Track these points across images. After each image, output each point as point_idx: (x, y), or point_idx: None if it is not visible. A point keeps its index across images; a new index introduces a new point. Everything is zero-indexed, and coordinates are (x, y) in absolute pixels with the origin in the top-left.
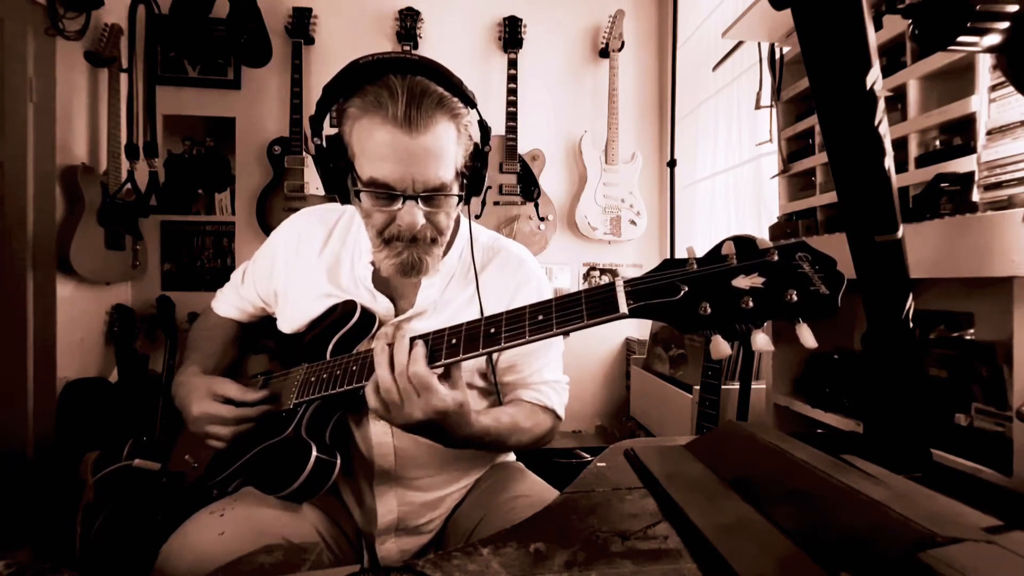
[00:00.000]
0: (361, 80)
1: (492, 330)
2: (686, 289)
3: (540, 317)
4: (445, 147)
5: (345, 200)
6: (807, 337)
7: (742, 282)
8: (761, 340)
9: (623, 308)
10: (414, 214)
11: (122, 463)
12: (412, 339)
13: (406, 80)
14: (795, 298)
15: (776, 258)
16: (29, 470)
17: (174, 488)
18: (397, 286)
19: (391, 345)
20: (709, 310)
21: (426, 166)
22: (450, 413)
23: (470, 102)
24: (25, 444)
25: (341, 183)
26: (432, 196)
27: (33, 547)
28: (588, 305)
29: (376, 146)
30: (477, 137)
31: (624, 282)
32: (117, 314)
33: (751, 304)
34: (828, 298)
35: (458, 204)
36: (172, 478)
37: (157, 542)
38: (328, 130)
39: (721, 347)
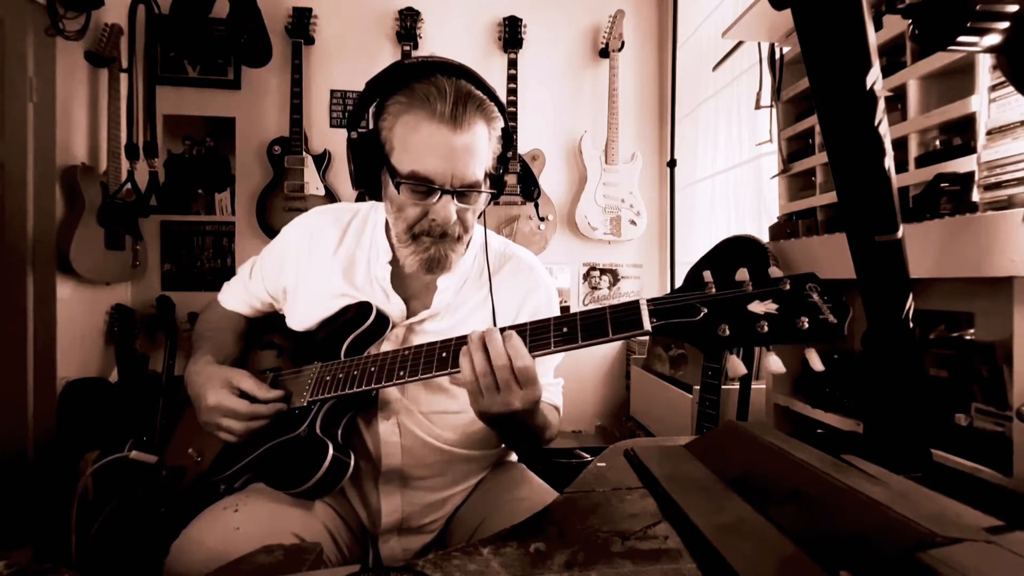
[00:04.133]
0: (408, 77)
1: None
2: (705, 311)
3: (565, 330)
4: (481, 147)
5: (374, 195)
6: (816, 361)
7: (757, 307)
8: (774, 363)
9: (647, 325)
10: (449, 209)
11: (118, 455)
12: (502, 330)
13: (452, 81)
14: (806, 325)
15: (788, 287)
16: (29, 470)
17: (175, 482)
18: (412, 287)
19: (484, 336)
20: (728, 332)
21: (465, 163)
22: (539, 402)
23: (502, 109)
24: (25, 444)
25: (373, 178)
26: (467, 192)
27: (34, 547)
28: (613, 321)
29: (421, 141)
30: (502, 142)
31: (647, 301)
32: (117, 314)
33: (766, 328)
34: (836, 327)
35: (485, 203)
36: (172, 472)
37: (159, 537)
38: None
39: (738, 367)
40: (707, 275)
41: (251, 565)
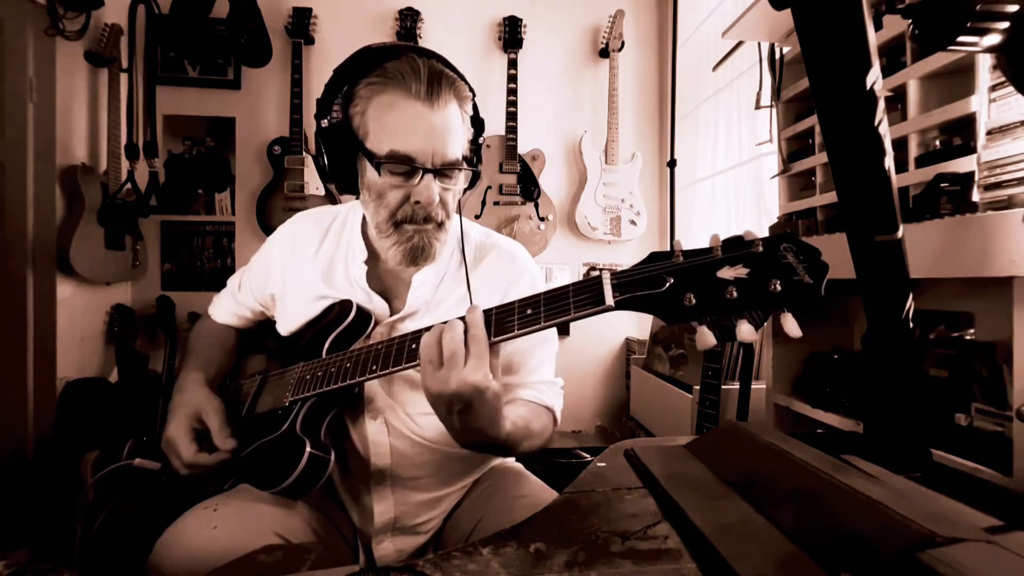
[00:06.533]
0: (379, 59)
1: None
2: (671, 281)
3: (529, 311)
4: (456, 126)
5: (347, 188)
6: (791, 327)
7: (727, 273)
8: (745, 330)
9: (609, 300)
10: (432, 188)
11: (123, 462)
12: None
13: (424, 60)
14: (779, 287)
15: (761, 249)
16: (29, 470)
17: (173, 486)
18: (391, 286)
19: (446, 323)
20: (694, 300)
21: (445, 140)
22: (486, 397)
23: (471, 91)
24: (25, 444)
25: (346, 169)
26: (448, 171)
27: (33, 547)
28: (575, 298)
29: (399, 119)
30: (472, 131)
31: (611, 275)
32: (117, 314)
33: (735, 294)
34: (812, 287)
35: (465, 183)
36: (172, 476)
37: (155, 539)
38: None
39: (706, 338)
40: (678, 244)
41: (251, 565)
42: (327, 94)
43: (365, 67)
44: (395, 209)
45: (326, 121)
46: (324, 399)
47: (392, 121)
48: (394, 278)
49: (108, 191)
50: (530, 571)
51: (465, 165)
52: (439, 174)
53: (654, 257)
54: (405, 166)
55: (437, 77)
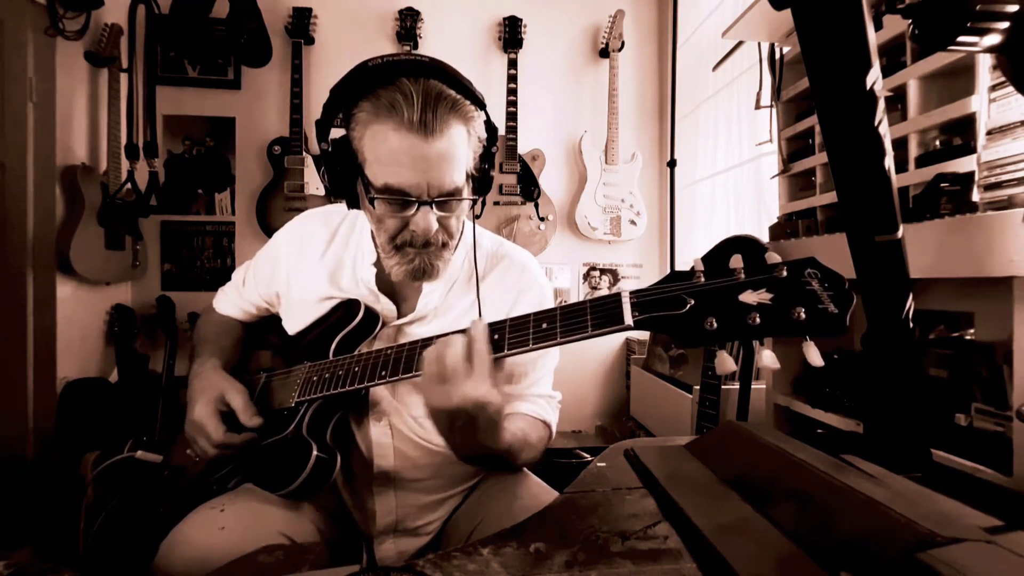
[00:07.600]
0: (372, 83)
1: (496, 336)
2: (692, 303)
3: (544, 326)
4: (458, 151)
5: (353, 205)
6: (813, 356)
7: (749, 297)
8: (767, 357)
9: (628, 320)
10: (429, 219)
11: (124, 455)
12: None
13: (420, 84)
14: (803, 316)
15: (785, 274)
16: (29, 470)
17: (175, 482)
18: (399, 290)
19: (449, 335)
20: (715, 325)
21: (441, 171)
22: (489, 412)
23: (480, 103)
24: (25, 444)
25: (349, 188)
26: (446, 201)
27: (33, 547)
28: (593, 315)
29: (391, 152)
30: (484, 138)
31: (630, 293)
32: (117, 314)
33: (758, 320)
34: (837, 317)
35: (470, 207)
36: (173, 472)
37: (158, 536)
38: (333, 132)
39: (727, 363)
40: (697, 263)
41: (251, 565)
42: (325, 115)
43: (359, 90)
44: (394, 234)
45: (326, 143)
46: (330, 401)
47: (385, 153)
48: (404, 283)
49: (108, 191)
50: (530, 571)
51: (467, 190)
52: (437, 204)
53: (673, 277)
54: (399, 199)
55: (433, 103)
